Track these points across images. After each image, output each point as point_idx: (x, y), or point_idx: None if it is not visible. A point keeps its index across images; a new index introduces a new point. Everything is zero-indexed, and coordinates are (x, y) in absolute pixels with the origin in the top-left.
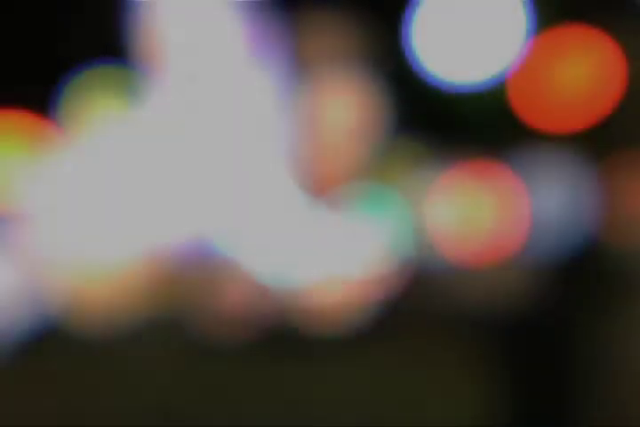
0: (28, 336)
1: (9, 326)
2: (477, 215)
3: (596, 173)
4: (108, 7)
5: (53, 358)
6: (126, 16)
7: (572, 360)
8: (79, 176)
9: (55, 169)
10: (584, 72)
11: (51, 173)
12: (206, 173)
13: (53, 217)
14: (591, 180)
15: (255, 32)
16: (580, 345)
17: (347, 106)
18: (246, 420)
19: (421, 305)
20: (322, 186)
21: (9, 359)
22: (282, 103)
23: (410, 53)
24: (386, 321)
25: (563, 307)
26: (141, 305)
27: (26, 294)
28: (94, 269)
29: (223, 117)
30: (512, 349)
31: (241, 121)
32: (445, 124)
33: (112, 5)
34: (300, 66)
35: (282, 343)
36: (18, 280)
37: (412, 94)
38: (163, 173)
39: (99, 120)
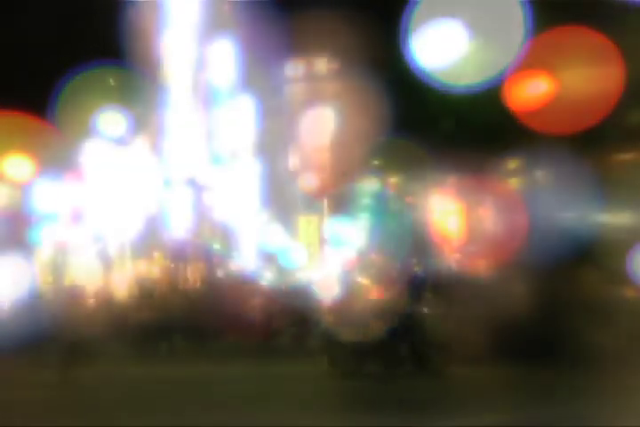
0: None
1: (10, 325)
2: (476, 217)
3: (594, 173)
4: (106, 10)
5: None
6: (125, 19)
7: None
8: (78, 176)
9: (54, 169)
10: (583, 73)
11: (50, 173)
12: (205, 177)
13: (54, 219)
14: (590, 180)
15: (253, 35)
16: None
17: (345, 108)
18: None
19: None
20: (320, 188)
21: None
22: (280, 104)
23: (409, 55)
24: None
25: (560, 307)
26: (140, 308)
27: (26, 292)
28: (94, 271)
29: (221, 119)
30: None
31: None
32: (444, 125)
33: (111, 8)
34: (297, 67)
35: (279, 342)
36: (19, 280)
37: (410, 96)
38: (157, 181)
39: (96, 121)
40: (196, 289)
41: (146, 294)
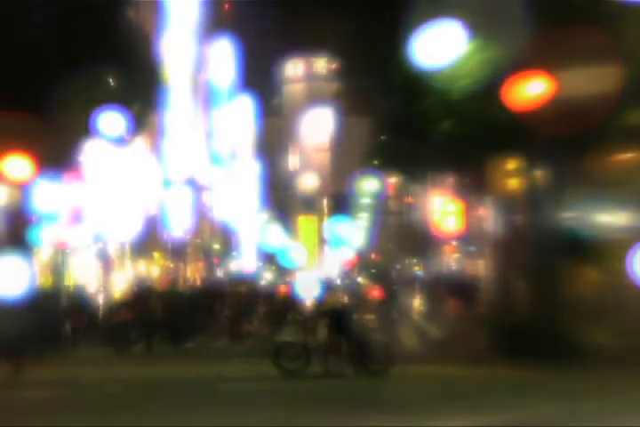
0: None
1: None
2: (475, 217)
3: (594, 173)
4: (106, 10)
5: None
6: (125, 19)
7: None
8: (78, 174)
9: (54, 169)
10: (583, 73)
11: (50, 173)
12: (205, 177)
13: (54, 219)
14: (590, 180)
15: (253, 35)
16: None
17: (344, 108)
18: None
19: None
20: (320, 188)
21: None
22: (280, 104)
23: (409, 55)
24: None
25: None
26: (136, 307)
27: (24, 292)
28: (93, 271)
29: (218, 122)
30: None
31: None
32: (444, 125)
33: (111, 9)
34: (297, 67)
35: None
36: (18, 280)
37: (410, 96)
38: (157, 181)
39: (96, 120)
40: (195, 289)
41: (142, 293)
